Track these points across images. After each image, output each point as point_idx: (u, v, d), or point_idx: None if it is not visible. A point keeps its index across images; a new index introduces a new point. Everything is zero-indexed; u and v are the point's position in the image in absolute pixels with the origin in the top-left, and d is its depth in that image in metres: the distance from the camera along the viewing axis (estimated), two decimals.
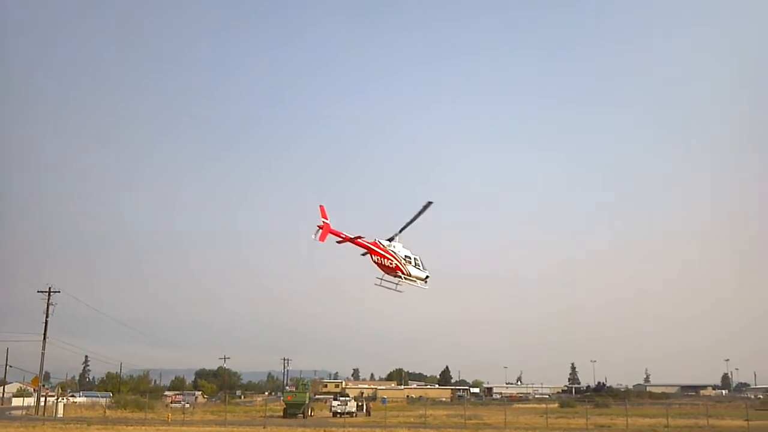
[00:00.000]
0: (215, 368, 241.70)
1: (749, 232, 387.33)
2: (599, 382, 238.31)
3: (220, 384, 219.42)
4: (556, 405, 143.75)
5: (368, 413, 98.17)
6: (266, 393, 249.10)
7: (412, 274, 44.02)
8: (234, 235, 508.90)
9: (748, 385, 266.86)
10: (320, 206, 40.89)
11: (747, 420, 66.99)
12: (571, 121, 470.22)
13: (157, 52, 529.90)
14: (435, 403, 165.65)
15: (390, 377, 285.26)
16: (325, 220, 40.37)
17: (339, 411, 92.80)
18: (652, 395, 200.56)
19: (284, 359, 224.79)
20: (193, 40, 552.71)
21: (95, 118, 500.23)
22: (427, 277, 45.63)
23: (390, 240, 44.33)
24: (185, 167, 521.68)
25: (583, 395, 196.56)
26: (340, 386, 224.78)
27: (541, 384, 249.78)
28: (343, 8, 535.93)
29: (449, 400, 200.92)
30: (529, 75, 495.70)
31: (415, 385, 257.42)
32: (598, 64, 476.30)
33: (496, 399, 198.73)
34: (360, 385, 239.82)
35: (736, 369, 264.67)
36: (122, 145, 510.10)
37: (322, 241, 40.02)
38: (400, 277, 43.46)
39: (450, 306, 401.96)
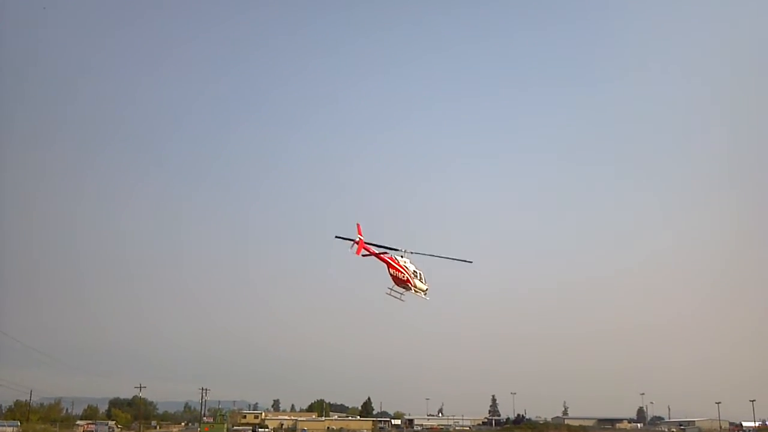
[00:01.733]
0: (130, 397, 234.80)
1: (666, 269, 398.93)
2: (519, 414, 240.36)
3: (135, 414, 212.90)
4: None
5: None
6: (183, 424, 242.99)
7: (417, 286, 48.67)
8: (151, 261, 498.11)
9: (663, 418, 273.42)
10: (357, 224, 45.19)
11: None
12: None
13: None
14: None
15: (311, 408, 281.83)
16: (361, 237, 44.65)
17: None
18: (570, 428, 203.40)
19: (202, 389, 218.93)
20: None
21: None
22: (427, 289, 49.99)
23: (401, 255, 48.00)
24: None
25: (503, 427, 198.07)
26: (259, 417, 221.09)
27: (462, 415, 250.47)
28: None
29: (370, 431, 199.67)
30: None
31: (336, 417, 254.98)
32: None
33: (418, 430, 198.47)
34: (280, 416, 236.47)
35: (651, 403, 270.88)
36: None
37: (358, 254, 44.50)
38: (409, 289, 48.13)
39: (373, 337, 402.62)
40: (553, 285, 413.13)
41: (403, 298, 48.63)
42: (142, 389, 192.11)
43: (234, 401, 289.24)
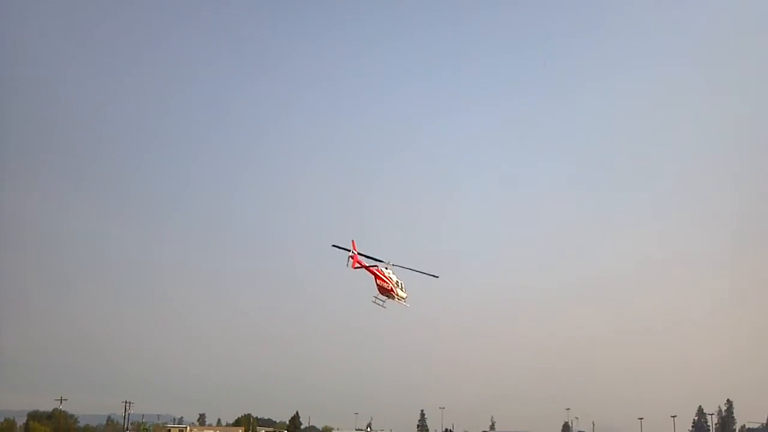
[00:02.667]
0: (50, 410, 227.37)
1: (591, 288, 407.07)
2: (447, 429, 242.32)
3: (54, 427, 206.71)
4: None
5: None
6: None
7: (399, 295, 53.91)
8: (74, 268, 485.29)
9: None
10: (352, 241, 50.14)
11: None
12: None
13: None
14: None
15: (238, 423, 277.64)
16: (355, 251, 49.44)
17: None
18: None
19: (126, 402, 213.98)
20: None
21: None
22: (406, 297, 55.38)
23: (387, 266, 53.26)
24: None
25: None
26: (184, 431, 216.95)
27: (391, 430, 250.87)
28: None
29: None
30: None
31: (263, 431, 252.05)
32: None
33: None
34: (206, 431, 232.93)
35: (577, 418, 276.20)
36: None
37: (353, 268, 49.53)
38: (392, 297, 53.31)
39: (301, 350, 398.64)
40: (479, 301, 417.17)
41: (385, 305, 53.86)
42: (62, 402, 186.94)
43: (158, 415, 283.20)
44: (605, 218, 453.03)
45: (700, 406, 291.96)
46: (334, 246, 50.39)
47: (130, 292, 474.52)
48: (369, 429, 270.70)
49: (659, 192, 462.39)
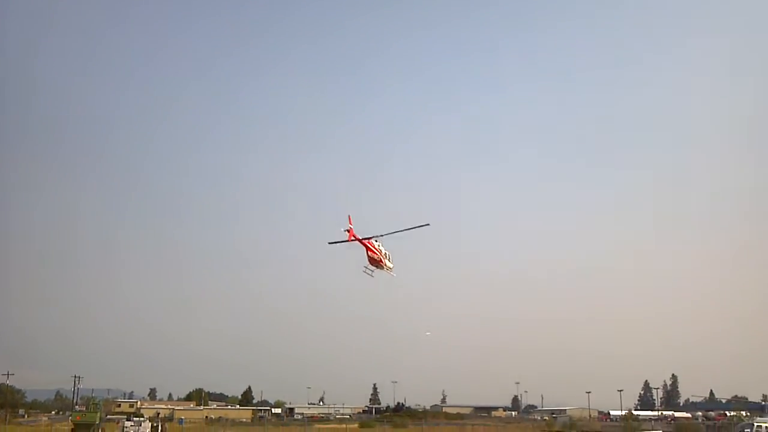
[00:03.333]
0: None
1: (551, 264, 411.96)
2: (399, 403, 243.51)
3: (1, 402, 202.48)
4: (356, 425, 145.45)
5: None
6: (53, 412, 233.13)
7: (387, 265, 56.92)
8: (26, 240, 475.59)
9: (536, 407, 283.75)
10: (348, 216, 53.62)
11: None
12: None
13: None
14: (235, 424, 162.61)
15: (189, 397, 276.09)
16: (351, 226, 53.19)
17: None
18: (447, 415, 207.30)
19: (75, 377, 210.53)
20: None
21: None
22: (392, 267, 58.52)
23: (376, 239, 56.34)
24: None
25: (383, 415, 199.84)
26: (134, 406, 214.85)
27: (343, 404, 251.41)
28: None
29: (250, 420, 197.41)
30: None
31: (215, 406, 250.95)
32: None
33: (298, 419, 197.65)
34: (157, 406, 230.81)
35: (526, 391, 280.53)
36: None
37: (349, 241, 53.15)
38: (381, 267, 56.49)
39: (254, 325, 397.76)
40: (432, 277, 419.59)
41: (373, 275, 56.81)
42: (9, 376, 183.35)
43: (108, 390, 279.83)
44: (564, 200, 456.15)
45: (646, 381, 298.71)
46: (331, 244, 54.81)
47: (77, 266, 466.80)
48: (321, 403, 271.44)
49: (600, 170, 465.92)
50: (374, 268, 57.02)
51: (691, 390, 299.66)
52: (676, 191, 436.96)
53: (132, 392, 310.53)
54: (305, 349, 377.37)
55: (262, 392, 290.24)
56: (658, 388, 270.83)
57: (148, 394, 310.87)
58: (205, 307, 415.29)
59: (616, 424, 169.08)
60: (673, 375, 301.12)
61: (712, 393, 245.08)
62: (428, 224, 55.35)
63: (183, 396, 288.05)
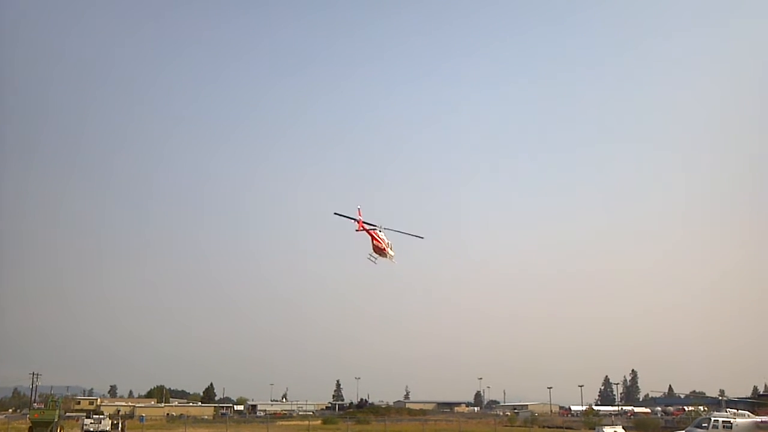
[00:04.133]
0: None
1: (505, 262, 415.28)
2: (362, 399, 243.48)
3: None
4: (320, 421, 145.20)
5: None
6: (10, 410, 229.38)
7: (390, 254, 58.69)
8: None
9: (498, 402, 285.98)
10: (358, 208, 56.15)
11: None
12: None
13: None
14: (197, 421, 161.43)
15: (150, 394, 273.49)
16: (360, 217, 55.45)
17: (92, 429, 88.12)
18: (410, 411, 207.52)
19: (33, 374, 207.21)
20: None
21: None
22: (394, 255, 59.93)
23: (380, 229, 58.01)
24: None
25: (346, 411, 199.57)
26: (94, 404, 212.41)
27: (306, 401, 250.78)
28: None
29: (212, 418, 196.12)
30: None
31: (176, 403, 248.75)
32: None
33: (260, 416, 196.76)
34: (117, 403, 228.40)
35: (488, 387, 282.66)
36: None
37: (358, 231, 55.49)
38: (384, 256, 58.14)
39: (216, 322, 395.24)
40: (395, 273, 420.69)
41: (376, 262, 58.39)
42: None
43: (68, 387, 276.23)
44: (529, 200, 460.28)
45: (606, 376, 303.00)
46: (336, 214, 56.14)
47: (35, 262, 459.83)
48: (284, 399, 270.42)
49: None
50: (377, 256, 59.31)
51: (650, 385, 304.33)
52: (632, 194, 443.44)
53: (92, 389, 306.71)
54: (268, 346, 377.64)
55: (224, 389, 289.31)
56: (618, 384, 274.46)
57: (109, 392, 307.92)
58: (165, 304, 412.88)
59: (577, 419, 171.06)
60: (633, 371, 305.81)
61: (671, 388, 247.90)
62: (423, 237, 58.95)
63: (144, 393, 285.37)
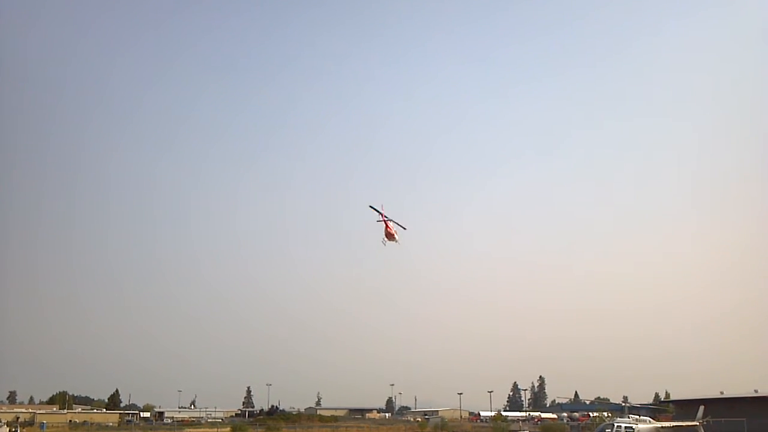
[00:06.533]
0: None
1: (419, 272, 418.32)
2: (273, 406, 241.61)
3: None
4: (229, 429, 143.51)
5: None
6: None
7: (397, 240, 70.93)
8: None
9: (409, 408, 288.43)
10: (381, 205, 69.50)
11: None
12: None
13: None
14: (101, 428, 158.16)
15: (53, 401, 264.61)
16: (383, 211, 69.15)
17: None
18: (322, 418, 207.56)
19: None
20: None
21: None
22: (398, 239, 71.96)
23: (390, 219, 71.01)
24: None
25: (256, 418, 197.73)
26: None
27: (216, 407, 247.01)
28: None
29: (117, 425, 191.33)
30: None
31: (80, 409, 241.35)
32: None
33: (168, 423, 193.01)
34: (16, 409, 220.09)
35: (400, 393, 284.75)
36: None
37: (382, 220, 69.22)
38: (394, 240, 70.70)
39: (121, 326, 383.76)
40: (304, 279, 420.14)
41: (386, 245, 70.89)
42: None
43: None
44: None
45: (515, 382, 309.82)
46: (371, 207, 69.75)
47: None
48: (193, 407, 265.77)
49: None
50: (388, 240, 71.04)
51: (557, 392, 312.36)
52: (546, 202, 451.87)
53: None
54: (176, 351, 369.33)
55: (130, 395, 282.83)
56: (526, 390, 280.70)
57: (7, 398, 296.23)
58: (69, 305, 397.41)
59: (486, 424, 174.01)
60: (540, 377, 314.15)
61: (576, 394, 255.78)
62: (405, 228, 72.19)
63: (45, 399, 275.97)
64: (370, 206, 70.35)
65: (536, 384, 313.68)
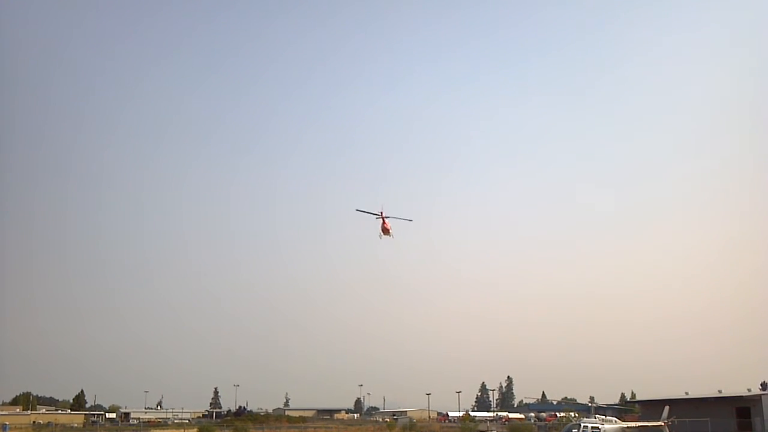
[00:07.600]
0: None
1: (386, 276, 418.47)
2: (240, 407, 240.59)
3: None
4: (195, 430, 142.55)
5: None
6: None
7: (391, 234, 77.30)
8: None
9: (378, 408, 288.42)
10: (382, 206, 76.00)
11: None
12: None
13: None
14: (66, 429, 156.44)
15: (16, 401, 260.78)
16: (382, 212, 75.17)
17: None
18: (290, 419, 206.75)
19: None
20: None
21: None
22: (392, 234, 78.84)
23: (387, 216, 77.08)
24: None
25: (224, 420, 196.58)
26: None
27: (182, 408, 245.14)
28: None
29: (82, 426, 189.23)
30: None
31: (44, 410, 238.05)
32: None
33: (133, 424, 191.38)
34: None
35: (369, 394, 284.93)
36: None
37: (381, 218, 76.20)
38: (388, 235, 76.85)
39: (87, 325, 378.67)
40: (275, 280, 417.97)
41: (382, 239, 77.04)
42: None
43: None
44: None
45: (483, 383, 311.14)
46: (358, 210, 76.45)
47: None
48: (159, 407, 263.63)
49: None
50: (383, 235, 77.00)
51: (524, 392, 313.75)
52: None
53: None
54: (143, 351, 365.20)
55: (95, 396, 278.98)
56: (494, 390, 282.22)
57: None
58: (32, 304, 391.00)
59: (454, 424, 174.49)
60: (508, 377, 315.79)
61: (544, 395, 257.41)
62: (411, 220, 79.97)
63: (8, 400, 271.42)
64: (357, 209, 76.91)
65: (504, 384, 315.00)
